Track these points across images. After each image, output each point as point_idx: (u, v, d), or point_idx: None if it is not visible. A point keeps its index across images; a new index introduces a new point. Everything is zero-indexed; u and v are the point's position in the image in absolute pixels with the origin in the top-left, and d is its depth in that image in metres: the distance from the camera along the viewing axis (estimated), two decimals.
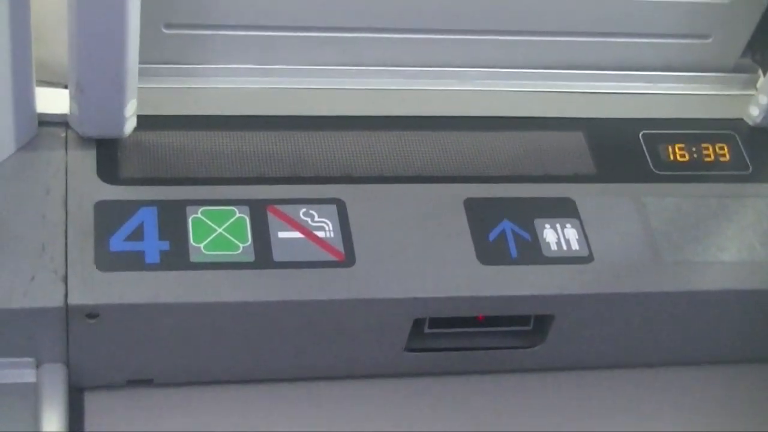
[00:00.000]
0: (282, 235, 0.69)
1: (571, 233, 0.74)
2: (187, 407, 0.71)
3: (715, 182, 0.79)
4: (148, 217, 0.68)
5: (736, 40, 0.85)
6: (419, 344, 0.73)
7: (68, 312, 0.65)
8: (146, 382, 0.71)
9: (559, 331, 0.74)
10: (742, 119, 0.83)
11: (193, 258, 0.67)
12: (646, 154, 0.80)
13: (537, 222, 0.74)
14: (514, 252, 0.72)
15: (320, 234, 0.70)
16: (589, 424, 0.76)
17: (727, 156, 0.81)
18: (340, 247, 0.70)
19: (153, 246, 0.67)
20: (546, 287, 0.71)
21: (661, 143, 0.80)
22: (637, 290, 0.73)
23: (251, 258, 0.68)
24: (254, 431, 0.71)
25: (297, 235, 0.70)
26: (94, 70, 0.67)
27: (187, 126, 0.74)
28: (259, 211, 0.70)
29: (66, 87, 0.70)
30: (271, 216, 0.70)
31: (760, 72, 0.86)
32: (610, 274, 0.73)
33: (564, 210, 0.75)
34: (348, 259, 0.69)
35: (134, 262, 0.66)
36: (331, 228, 0.70)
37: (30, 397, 0.66)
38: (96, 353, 0.68)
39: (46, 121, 0.72)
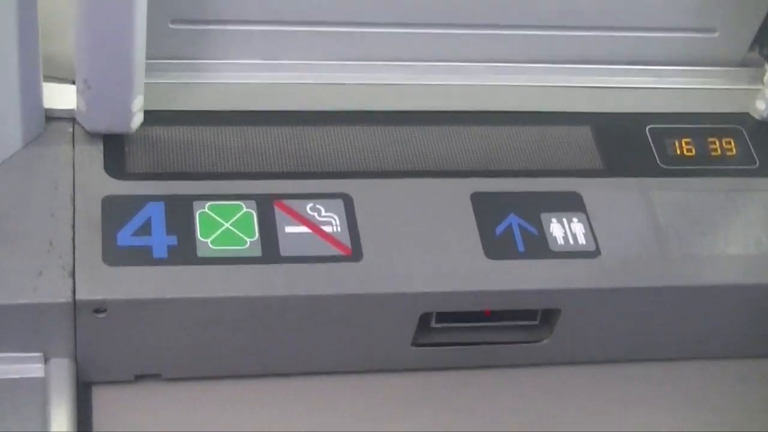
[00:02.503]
0: (289, 229, 0.70)
1: (578, 227, 0.74)
2: (195, 402, 0.71)
3: (722, 176, 0.79)
4: (156, 212, 0.69)
5: (743, 34, 0.84)
6: (426, 339, 0.73)
7: (76, 307, 0.65)
8: (154, 377, 0.71)
9: (565, 325, 0.74)
10: (748, 113, 0.83)
11: (201, 253, 0.68)
12: (653, 149, 0.79)
13: (544, 216, 0.74)
14: (521, 246, 0.72)
15: (327, 229, 0.70)
16: (596, 419, 0.75)
17: (734, 150, 0.81)
18: (347, 242, 0.70)
19: (160, 241, 0.67)
20: (553, 282, 0.71)
21: (667, 137, 0.80)
22: (644, 284, 0.73)
23: (258, 253, 0.68)
24: (261, 426, 0.71)
25: (304, 229, 0.70)
26: (102, 66, 0.67)
27: (194, 121, 0.74)
28: (266, 205, 0.70)
29: (73, 82, 0.70)
30: (278, 211, 0.70)
31: (767, 66, 0.86)
32: (617, 268, 0.73)
33: (571, 204, 0.75)
34: (355, 253, 0.69)
35: (142, 257, 0.67)
36: (338, 222, 0.71)
37: (38, 392, 0.66)
38: (104, 348, 0.68)
39: (54, 117, 0.72)
